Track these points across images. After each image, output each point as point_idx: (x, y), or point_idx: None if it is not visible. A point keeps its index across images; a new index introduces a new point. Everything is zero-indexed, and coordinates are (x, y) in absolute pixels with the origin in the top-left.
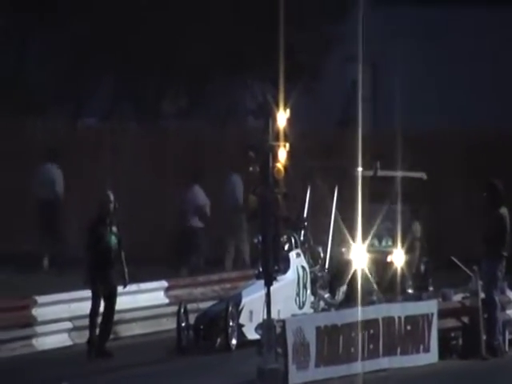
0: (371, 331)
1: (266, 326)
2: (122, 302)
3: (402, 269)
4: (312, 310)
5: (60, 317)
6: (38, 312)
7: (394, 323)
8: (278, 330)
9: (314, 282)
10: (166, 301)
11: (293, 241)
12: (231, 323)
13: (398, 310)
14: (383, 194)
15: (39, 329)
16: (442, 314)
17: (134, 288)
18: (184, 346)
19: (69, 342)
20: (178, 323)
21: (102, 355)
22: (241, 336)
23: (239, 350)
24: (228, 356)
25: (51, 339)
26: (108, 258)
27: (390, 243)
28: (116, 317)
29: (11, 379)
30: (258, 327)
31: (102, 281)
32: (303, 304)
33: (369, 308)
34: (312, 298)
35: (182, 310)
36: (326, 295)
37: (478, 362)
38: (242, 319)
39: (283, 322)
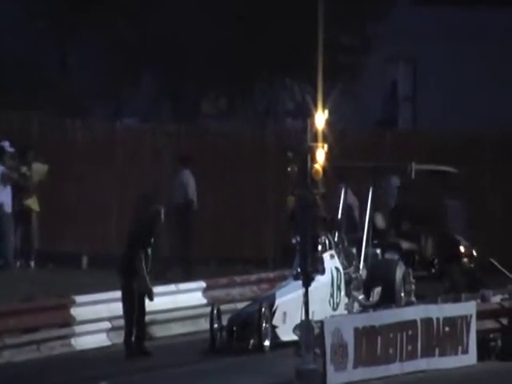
0: (409, 332)
1: (305, 326)
2: (161, 302)
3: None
4: (346, 312)
5: (99, 317)
6: (76, 312)
7: (432, 324)
8: (316, 330)
9: (348, 283)
10: (204, 301)
11: (327, 242)
12: (264, 324)
13: (436, 311)
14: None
15: (78, 328)
16: (481, 315)
17: (172, 288)
18: (217, 347)
19: (107, 342)
20: (211, 324)
21: (141, 355)
22: (274, 337)
23: (273, 351)
24: (262, 357)
25: (89, 339)
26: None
27: None
28: (154, 317)
29: (50, 378)
30: (297, 328)
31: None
32: (337, 305)
33: (407, 309)
34: (346, 300)
35: (215, 311)
36: (361, 297)
37: None
38: (276, 320)
39: (321, 322)
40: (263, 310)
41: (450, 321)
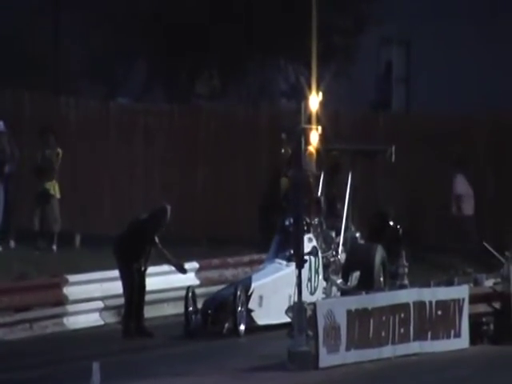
0: (402, 315)
1: (297, 308)
2: (155, 282)
3: None
4: (324, 296)
5: (91, 296)
6: (69, 291)
7: (425, 308)
8: (309, 312)
9: (326, 267)
10: (197, 282)
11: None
12: (240, 308)
13: (429, 294)
14: None
15: (70, 307)
16: (474, 299)
17: (165, 269)
18: (192, 331)
19: (100, 322)
20: (186, 307)
21: (143, 335)
22: (250, 321)
23: (248, 335)
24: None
25: (82, 318)
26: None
27: None
28: (148, 297)
29: (42, 357)
30: (289, 309)
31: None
32: (315, 289)
33: (400, 292)
34: (324, 284)
35: (190, 294)
36: (339, 281)
37: (509, 348)
38: (252, 304)
39: (314, 304)
40: (239, 293)
41: (443, 304)
